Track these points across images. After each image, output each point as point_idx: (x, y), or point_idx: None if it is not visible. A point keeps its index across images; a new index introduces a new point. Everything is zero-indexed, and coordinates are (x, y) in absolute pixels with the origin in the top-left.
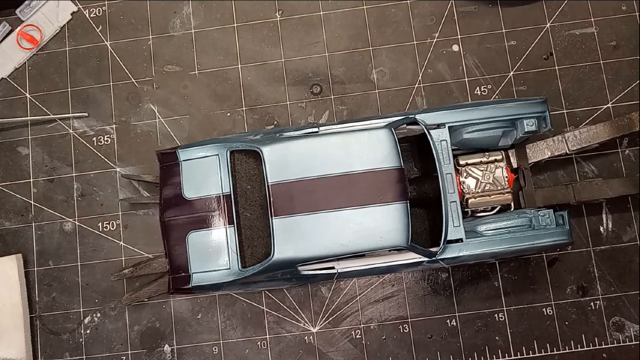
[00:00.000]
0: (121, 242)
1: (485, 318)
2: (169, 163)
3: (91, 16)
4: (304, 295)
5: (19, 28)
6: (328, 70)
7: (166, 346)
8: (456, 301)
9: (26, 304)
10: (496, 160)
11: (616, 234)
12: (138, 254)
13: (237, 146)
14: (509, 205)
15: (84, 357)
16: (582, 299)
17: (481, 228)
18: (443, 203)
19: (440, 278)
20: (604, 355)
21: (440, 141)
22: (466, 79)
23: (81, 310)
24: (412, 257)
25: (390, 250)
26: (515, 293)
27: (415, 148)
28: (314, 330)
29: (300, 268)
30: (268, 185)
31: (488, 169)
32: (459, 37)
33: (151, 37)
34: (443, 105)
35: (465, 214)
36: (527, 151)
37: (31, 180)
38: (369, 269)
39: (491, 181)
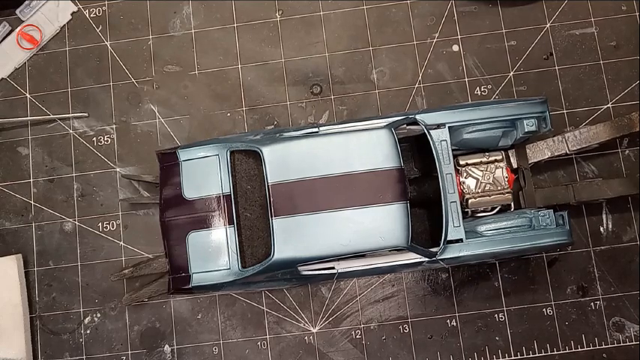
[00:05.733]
0: (121, 242)
1: (485, 318)
2: (169, 163)
3: (91, 16)
4: (304, 295)
5: (19, 28)
6: (328, 70)
7: (166, 346)
8: (456, 301)
9: (26, 304)
10: (496, 161)
11: (616, 234)
12: (138, 254)
13: (237, 146)
14: (510, 205)
15: (84, 357)
16: (582, 299)
17: (481, 228)
18: (443, 203)
19: (440, 278)
20: (604, 355)
21: (440, 141)
22: (466, 79)
23: (81, 310)
24: (412, 257)
25: (390, 250)
26: (515, 293)
27: (415, 148)
28: (314, 330)
29: (300, 268)
30: (268, 185)
31: (489, 170)
32: (459, 37)
33: (151, 37)
34: (443, 105)
35: (465, 214)
36: (527, 151)
37: (31, 180)
38: (369, 269)
39: (491, 182)
